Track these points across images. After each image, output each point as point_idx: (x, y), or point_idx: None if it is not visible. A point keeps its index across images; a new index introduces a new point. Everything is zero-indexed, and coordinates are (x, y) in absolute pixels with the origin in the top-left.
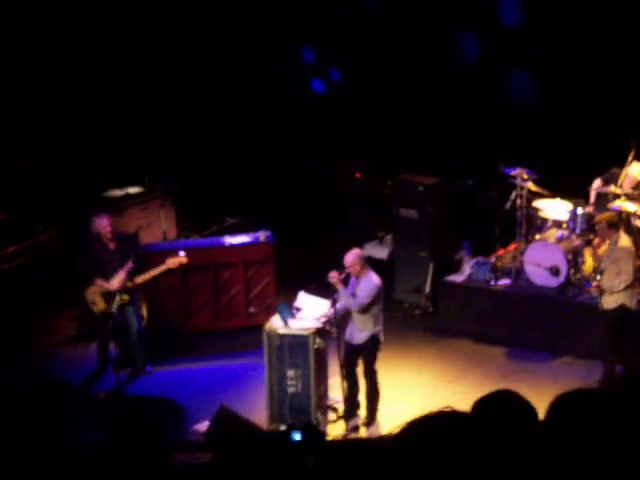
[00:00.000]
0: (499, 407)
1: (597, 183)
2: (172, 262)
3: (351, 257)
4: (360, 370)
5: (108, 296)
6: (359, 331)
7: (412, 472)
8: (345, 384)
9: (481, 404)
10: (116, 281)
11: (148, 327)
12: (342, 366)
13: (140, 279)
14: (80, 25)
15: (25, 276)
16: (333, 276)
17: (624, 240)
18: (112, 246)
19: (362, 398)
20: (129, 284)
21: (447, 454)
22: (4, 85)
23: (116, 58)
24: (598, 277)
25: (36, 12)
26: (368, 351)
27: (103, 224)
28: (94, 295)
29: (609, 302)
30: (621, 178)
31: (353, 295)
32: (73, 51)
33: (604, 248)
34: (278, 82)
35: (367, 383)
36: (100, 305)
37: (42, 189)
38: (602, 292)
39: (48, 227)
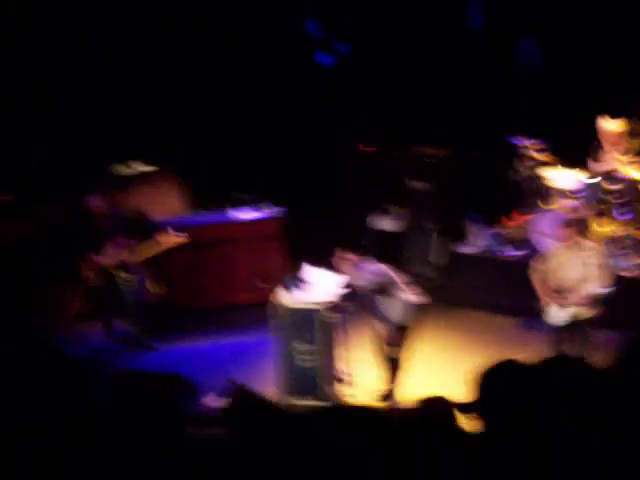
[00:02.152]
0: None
1: (593, 165)
2: (164, 239)
3: (342, 262)
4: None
5: (101, 271)
6: (392, 307)
7: None
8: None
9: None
10: (108, 257)
11: (158, 303)
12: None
13: (133, 256)
14: (91, 10)
15: (34, 253)
16: (346, 256)
17: (590, 242)
18: (106, 223)
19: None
20: (122, 260)
21: None
22: (23, 65)
23: (127, 33)
24: (575, 295)
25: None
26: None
27: (97, 202)
28: (87, 270)
29: (590, 312)
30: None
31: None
32: (89, 31)
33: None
34: (284, 55)
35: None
36: (93, 280)
37: (50, 169)
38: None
39: (57, 205)
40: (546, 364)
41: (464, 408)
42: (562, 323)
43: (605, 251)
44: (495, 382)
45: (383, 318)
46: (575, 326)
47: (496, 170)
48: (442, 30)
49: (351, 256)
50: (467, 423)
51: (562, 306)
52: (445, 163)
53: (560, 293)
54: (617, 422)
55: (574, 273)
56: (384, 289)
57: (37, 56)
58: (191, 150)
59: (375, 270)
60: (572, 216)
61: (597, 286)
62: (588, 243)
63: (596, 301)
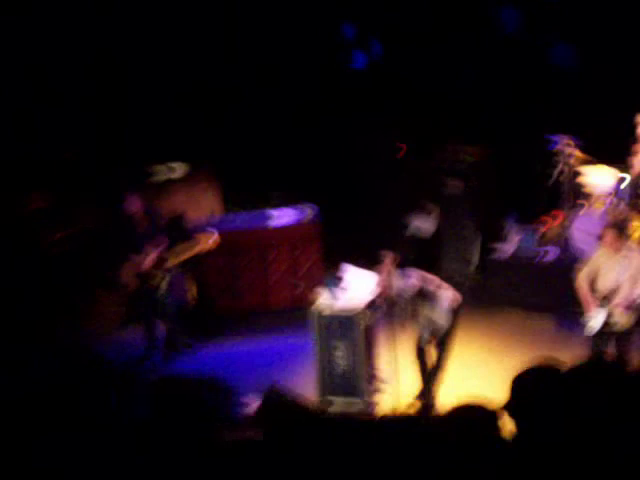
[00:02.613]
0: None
1: (633, 162)
2: (204, 243)
3: (384, 267)
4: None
5: (141, 276)
6: (432, 310)
7: None
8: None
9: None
10: (147, 261)
11: (197, 308)
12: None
13: (172, 260)
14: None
15: (75, 259)
16: (387, 257)
17: (632, 244)
18: (144, 227)
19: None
20: (161, 264)
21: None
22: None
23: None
24: (617, 299)
25: None
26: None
27: (135, 205)
28: (127, 275)
29: (631, 318)
30: None
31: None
32: (117, 29)
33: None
34: (320, 57)
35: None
36: (133, 285)
37: (88, 172)
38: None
39: (95, 210)
40: (585, 367)
41: (503, 411)
42: (602, 328)
43: None
44: (533, 384)
45: (424, 321)
46: (616, 331)
47: (534, 169)
48: (477, 33)
49: (392, 259)
50: (507, 427)
51: (604, 311)
52: (482, 162)
53: (602, 298)
54: None
55: (616, 277)
56: (424, 293)
57: (70, 58)
58: (229, 150)
59: (415, 275)
60: (613, 218)
61: (627, 293)
62: (630, 246)
63: (638, 306)
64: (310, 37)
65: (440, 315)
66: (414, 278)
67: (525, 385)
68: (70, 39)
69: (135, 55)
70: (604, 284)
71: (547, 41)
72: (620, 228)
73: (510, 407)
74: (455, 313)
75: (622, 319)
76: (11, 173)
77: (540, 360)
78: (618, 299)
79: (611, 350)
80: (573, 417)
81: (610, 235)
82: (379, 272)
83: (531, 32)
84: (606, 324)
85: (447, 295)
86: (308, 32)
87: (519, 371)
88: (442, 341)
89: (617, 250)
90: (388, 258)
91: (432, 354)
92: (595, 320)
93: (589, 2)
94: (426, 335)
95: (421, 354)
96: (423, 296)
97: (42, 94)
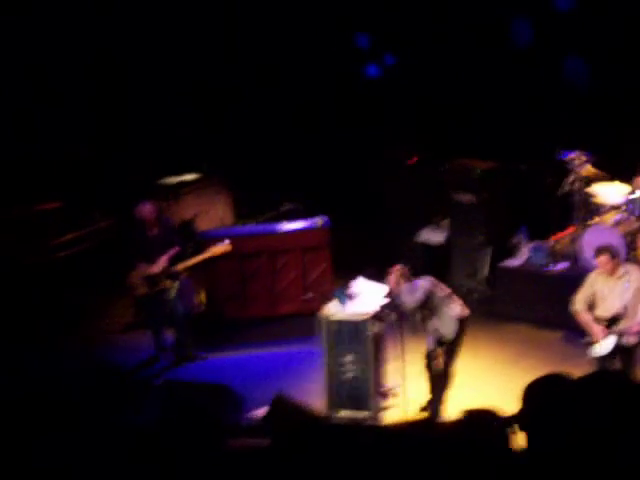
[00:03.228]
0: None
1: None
2: (215, 250)
3: (392, 278)
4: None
5: (150, 280)
6: (441, 321)
7: None
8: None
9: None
10: (157, 266)
11: (205, 313)
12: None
13: (182, 265)
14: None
15: (83, 263)
16: (397, 270)
17: (633, 266)
18: (155, 232)
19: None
20: (170, 269)
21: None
22: (65, 73)
23: (170, 45)
24: (621, 324)
25: None
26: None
27: (147, 210)
28: (136, 279)
29: (637, 337)
30: None
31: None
32: (134, 37)
33: (608, 282)
34: (332, 67)
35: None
36: (142, 289)
37: (99, 177)
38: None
39: (106, 214)
40: (594, 378)
41: (512, 422)
42: (608, 352)
43: None
44: (543, 397)
45: (432, 333)
46: (621, 351)
47: (544, 183)
48: (489, 45)
49: (401, 270)
50: (516, 437)
51: (613, 337)
52: (493, 176)
53: (608, 322)
54: None
55: (619, 300)
56: (433, 304)
57: (70, 58)
58: (240, 160)
59: (423, 286)
60: (623, 231)
61: (632, 316)
62: (629, 268)
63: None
64: (323, 46)
65: (448, 325)
66: (423, 287)
67: (536, 395)
68: (70, 39)
69: (135, 55)
70: (607, 309)
71: (560, 54)
72: (613, 251)
73: (521, 418)
74: (463, 324)
75: (630, 339)
76: (24, 173)
77: (550, 374)
78: (626, 323)
79: (617, 364)
80: (583, 427)
81: (603, 258)
82: (388, 283)
83: (544, 45)
84: (612, 347)
85: (456, 306)
86: (322, 41)
87: (530, 382)
88: (450, 351)
89: (612, 272)
90: (397, 269)
91: (440, 364)
92: (604, 346)
93: (603, 16)
94: (434, 345)
95: (429, 364)
96: (431, 306)
97: (42, 94)
